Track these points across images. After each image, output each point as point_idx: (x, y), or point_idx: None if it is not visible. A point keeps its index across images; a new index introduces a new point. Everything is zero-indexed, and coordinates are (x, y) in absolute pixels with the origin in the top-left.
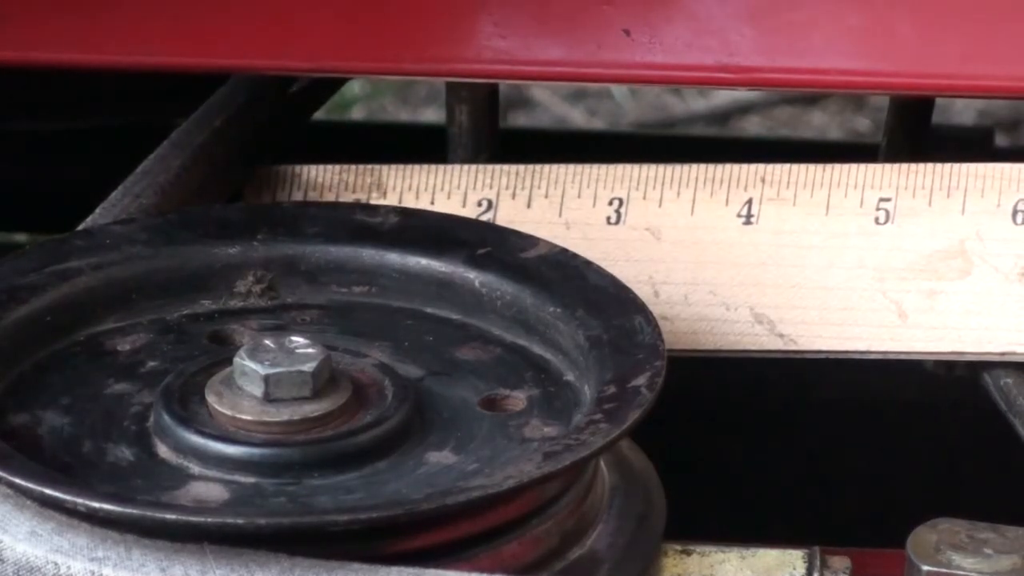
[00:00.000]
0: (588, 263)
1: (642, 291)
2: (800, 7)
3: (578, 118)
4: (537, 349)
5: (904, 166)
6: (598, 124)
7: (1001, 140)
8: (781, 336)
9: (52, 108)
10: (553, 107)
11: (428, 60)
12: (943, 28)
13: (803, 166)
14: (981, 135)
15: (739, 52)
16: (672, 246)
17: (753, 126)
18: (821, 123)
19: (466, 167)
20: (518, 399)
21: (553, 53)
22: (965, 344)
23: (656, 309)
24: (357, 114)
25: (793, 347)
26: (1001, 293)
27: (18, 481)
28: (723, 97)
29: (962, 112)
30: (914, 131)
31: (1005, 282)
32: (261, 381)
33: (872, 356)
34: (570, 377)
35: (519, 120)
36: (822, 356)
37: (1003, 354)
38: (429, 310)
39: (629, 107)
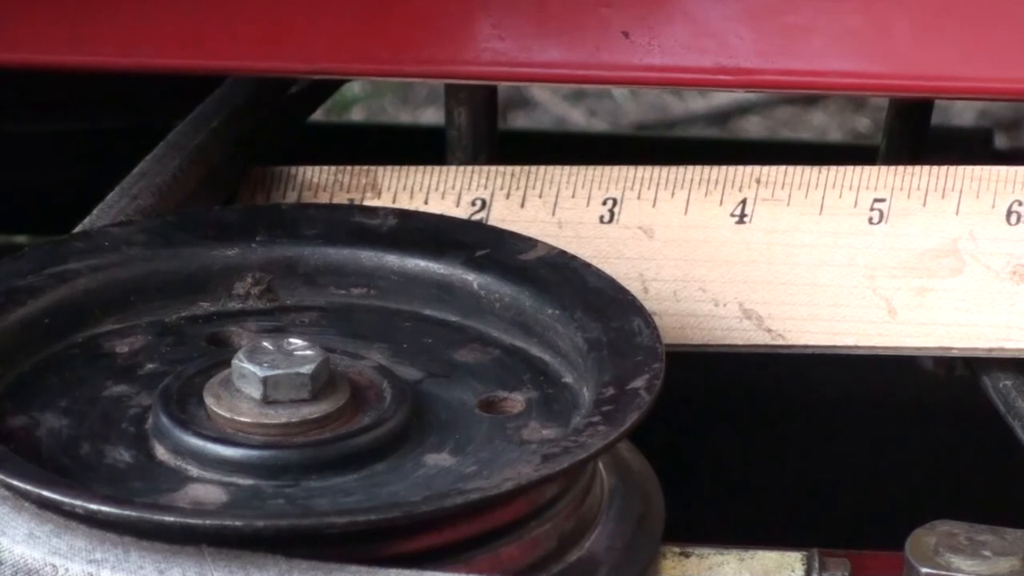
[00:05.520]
0: (587, 265)
1: (632, 287)
2: (799, 9)
3: (578, 118)
4: (536, 351)
5: (900, 168)
6: (598, 124)
7: (1001, 141)
8: (769, 331)
9: (52, 109)
10: (553, 107)
11: (427, 62)
12: (942, 30)
13: (799, 168)
14: (981, 136)
15: (738, 54)
16: (664, 244)
17: (753, 126)
18: (821, 123)
19: (461, 168)
20: (517, 401)
21: (552, 55)
22: (954, 340)
23: (645, 305)
24: (357, 115)
25: (781, 342)
26: (991, 291)
27: (16, 483)
28: (723, 97)
29: (962, 113)
30: (913, 132)
31: (996, 280)
32: (259, 383)
33: (860, 351)
34: (569, 379)
35: (519, 120)
36: (809, 351)
37: (991, 350)
38: (428, 312)
39: (629, 107)
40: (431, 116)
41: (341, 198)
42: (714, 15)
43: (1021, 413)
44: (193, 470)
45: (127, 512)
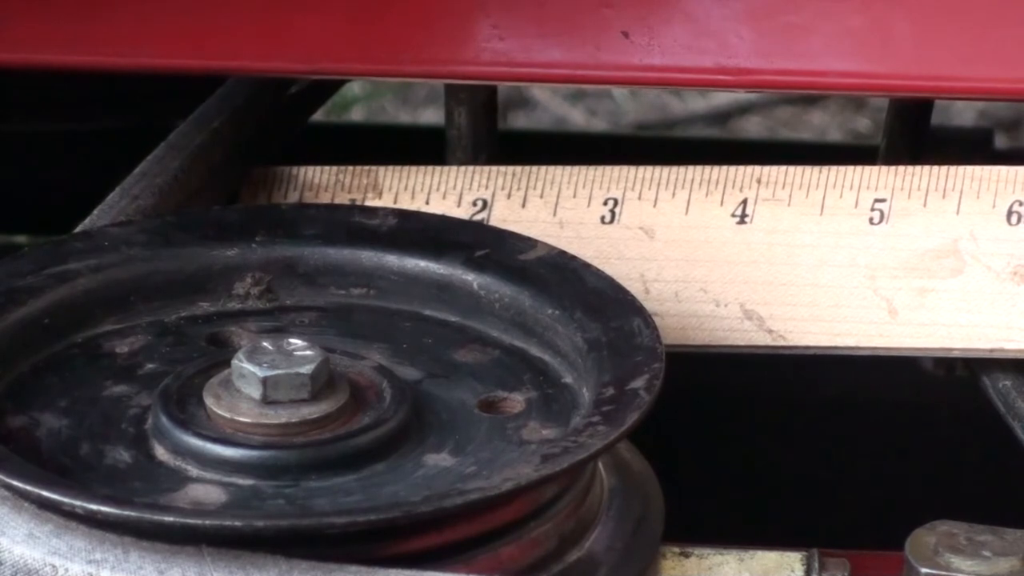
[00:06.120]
0: (587, 265)
1: (633, 288)
2: (798, 9)
3: (578, 118)
4: (535, 351)
5: (901, 168)
6: (598, 124)
7: (1001, 141)
8: (770, 332)
9: (51, 109)
10: (553, 107)
11: (427, 62)
12: (942, 30)
13: (799, 168)
14: (981, 136)
15: (738, 54)
16: (665, 244)
17: (753, 126)
18: (821, 123)
19: (462, 168)
20: (516, 401)
21: (552, 55)
22: (954, 341)
23: (647, 306)
24: (357, 115)
25: (782, 342)
26: (992, 291)
27: (16, 483)
28: (723, 97)
29: (962, 113)
30: (913, 133)
31: (997, 281)
32: (259, 383)
33: (861, 352)
34: (568, 379)
35: (519, 120)
36: (811, 352)
37: (992, 350)
38: (427, 312)
39: (629, 107)
40: (431, 116)
41: (342, 198)
42: (714, 15)
43: (1021, 413)
44: (193, 470)
45: (127, 512)
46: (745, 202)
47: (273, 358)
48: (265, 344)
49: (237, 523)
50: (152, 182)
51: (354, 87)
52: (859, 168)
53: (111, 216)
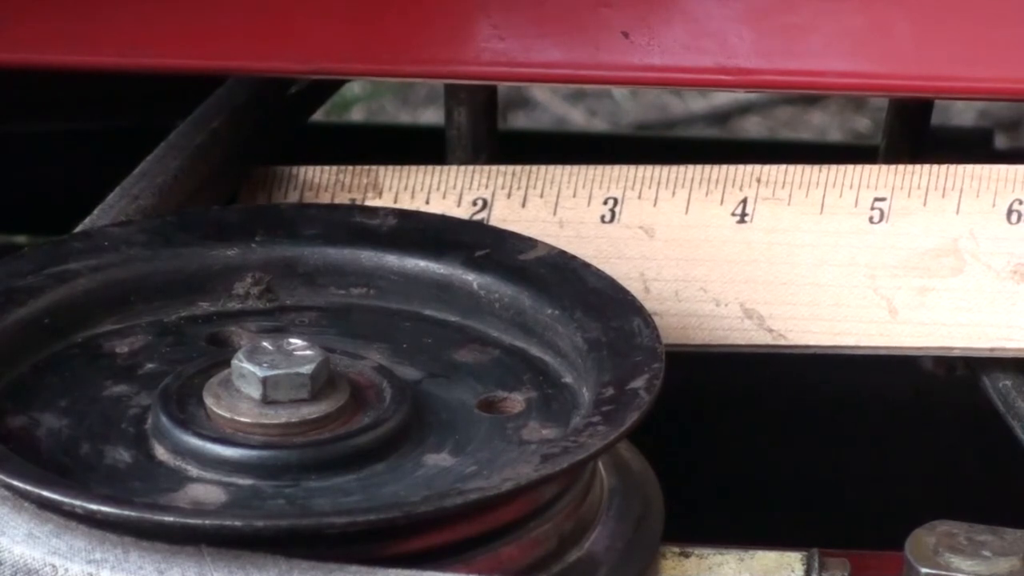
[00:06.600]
0: (587, 265)
1: (633, 287)
2: (798, 9)
3: (578, 118)
4: (535, 351)
5: (901, 167)
6: (598, 124)
7: (1001, 141)
8: (770, 331)
9: (51, 109)
10: (553, 107)
11: (426, 62)
12: (941, 30)
13: (799, 167)
14: (981, 136)
15: (738, 54)
16: (665, 244)
17: (753, 126)
18: (821, 123)
19: (462, 168)
20: (516, 401)
21: (552, 55)
22: (954, 340)
23: (646, 305)
24: (357, 114)
25: (782, 342)
26: (992, 290)
27: (16, 483)
28: (723, 97)
29: (962, 113)
30: (913, 132)
31: (997, 280)
32: (259, 383)
33: (861, 351)
34: (568, 379)
35: (519, 120)
36: (811, 351)
37: (992, 350)
38: (427, 312)
39: (629, 107)
40: (431, 116)
41: (342, 198)
42: (714, 15)
43: (1021, 413)
44: (193, 470)
45: (127, 512)
46: (745, 201)
47: (273, 358)
48: (265, 344)
49: (237, 523)
50: (152, 182)
51: (354, 87)
52: (859, 167)
53: (111, 216)
